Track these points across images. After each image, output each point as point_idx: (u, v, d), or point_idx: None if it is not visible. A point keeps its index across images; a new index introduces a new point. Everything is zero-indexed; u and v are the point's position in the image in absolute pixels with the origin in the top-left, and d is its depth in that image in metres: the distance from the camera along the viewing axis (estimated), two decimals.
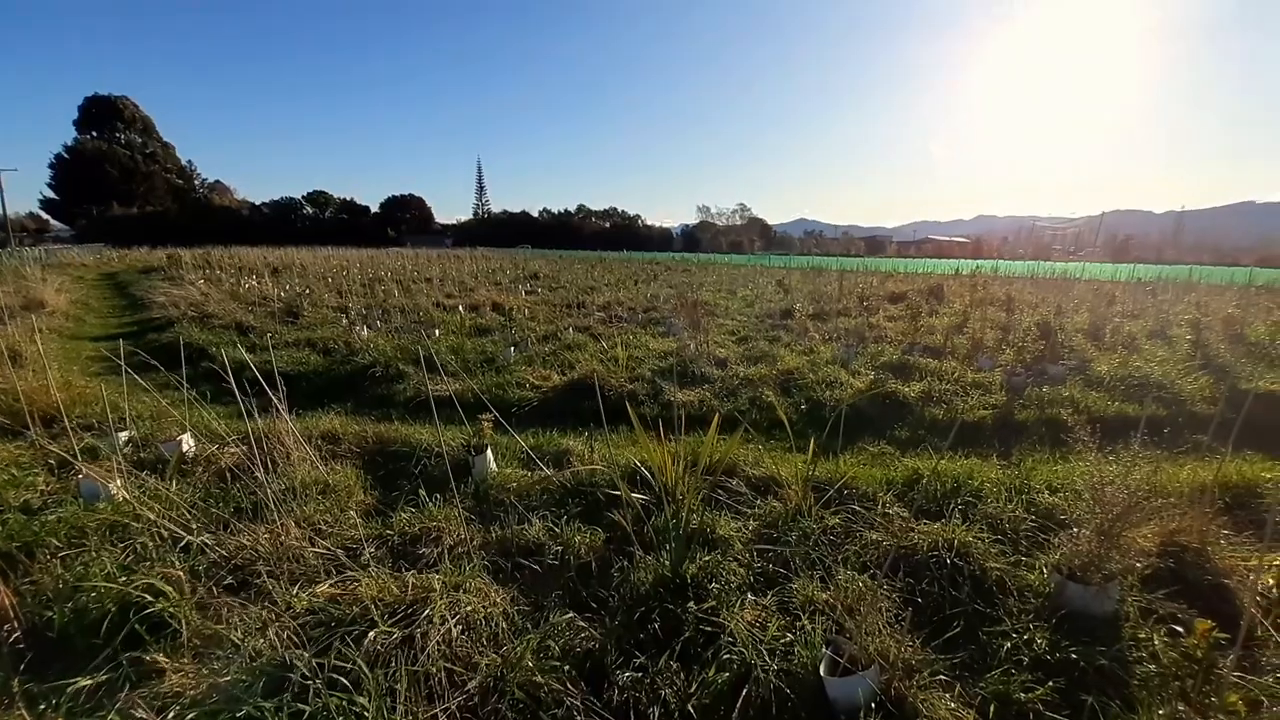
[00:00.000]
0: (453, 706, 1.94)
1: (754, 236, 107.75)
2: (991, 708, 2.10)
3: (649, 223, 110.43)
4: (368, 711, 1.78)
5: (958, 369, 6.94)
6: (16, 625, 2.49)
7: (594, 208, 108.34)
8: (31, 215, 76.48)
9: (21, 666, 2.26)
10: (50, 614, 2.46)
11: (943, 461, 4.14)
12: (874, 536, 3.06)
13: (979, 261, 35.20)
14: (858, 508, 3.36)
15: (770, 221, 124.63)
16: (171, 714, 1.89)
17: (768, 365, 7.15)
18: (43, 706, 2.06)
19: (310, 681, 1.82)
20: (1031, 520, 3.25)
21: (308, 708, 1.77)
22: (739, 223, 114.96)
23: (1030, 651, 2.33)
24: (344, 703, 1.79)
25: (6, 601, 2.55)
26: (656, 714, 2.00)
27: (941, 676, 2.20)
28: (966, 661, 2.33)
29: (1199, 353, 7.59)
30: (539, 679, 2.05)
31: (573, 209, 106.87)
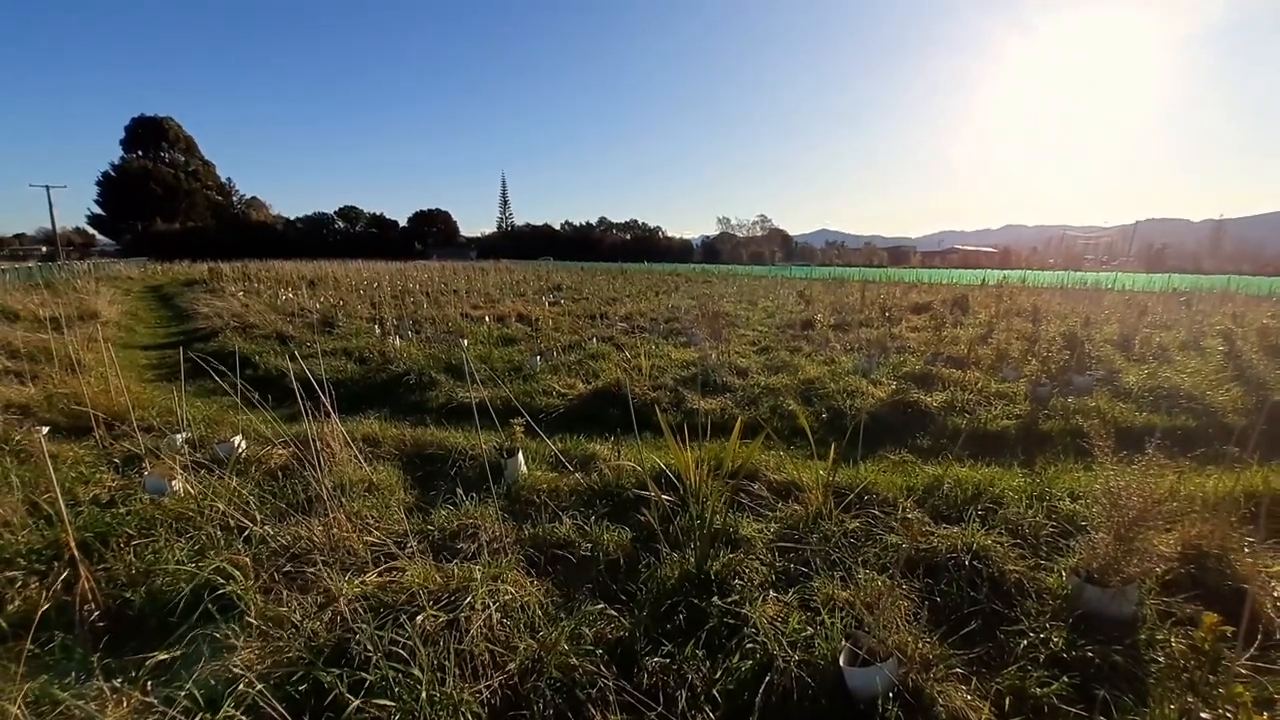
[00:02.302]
0: (495, 684, 2.10)
1: (775, 248, 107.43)
2: (1007, 701, 2.18)
3: (669, 234, 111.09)
4: (421, 683, 1.95)
5: (981, 379, 6.93)
6: (95, 606, 2.74)
7: (615, 220, 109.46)
8: (77, 230, 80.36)
9: (101, 644, 2.49)
10: (127, 596, 2.70)
11: (963, 469, 4.20)
12: (893, 540, 3.15)
13: (1006, 272, 34.67)
14: (877, 512, 3.45)
15: (791, 232, 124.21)
16: (241, 684, 2.08)
17: (789, 375, 7.25)
18: (120, 680, 2.27)
19: (371, 654, 2.00)
20: (1051, 526, 3.29)
21: (369, 677, 1.95)
22: (759, 234, 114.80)
23: (1047, 649, 2.40)
24: (400, 674, 1.97)
25: (86, 585, 2.81)
26: (684, 697, 2.12)
27: (958, 670, 2.29)
28: (983, 657, 2.41)
29: (1232, 364, 7.45)
30: (574, 661, 2.20)
31: (594, 221, 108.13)
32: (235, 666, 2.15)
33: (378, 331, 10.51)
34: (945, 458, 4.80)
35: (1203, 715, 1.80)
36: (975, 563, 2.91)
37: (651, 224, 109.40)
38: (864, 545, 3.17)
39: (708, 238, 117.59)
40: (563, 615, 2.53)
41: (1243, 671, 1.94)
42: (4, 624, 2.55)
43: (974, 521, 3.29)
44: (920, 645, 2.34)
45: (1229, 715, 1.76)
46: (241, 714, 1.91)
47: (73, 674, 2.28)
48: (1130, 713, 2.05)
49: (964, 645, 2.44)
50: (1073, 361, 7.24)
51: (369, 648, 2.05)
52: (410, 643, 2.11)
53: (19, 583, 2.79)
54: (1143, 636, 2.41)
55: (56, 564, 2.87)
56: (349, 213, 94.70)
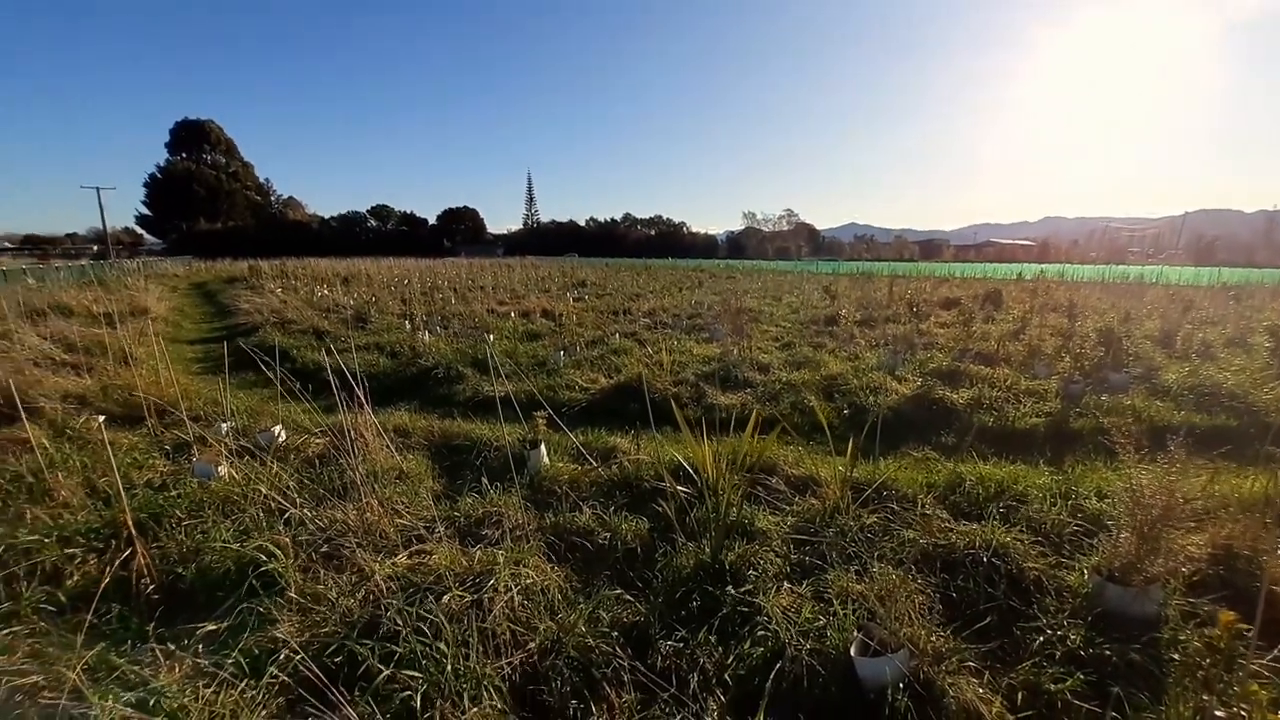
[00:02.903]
0: (516, 661, 2.21)
1: (801, 242, 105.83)
2: (1019, 695, 2.19)
3: (694, 230, 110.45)
4: (446, 657, 2.07)
5: (1011, 376, 6.79)
6: (150, 581, 2.95)
7: (639, 216, 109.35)
8: (126, 229, 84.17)
9: (156, 615, 2.69)
10: (179, 571, 2.91)
11: (986, 466, 4.16)
12: (911, 535, 3.16)
13: (1043, 266, 33.51)
14: (896, 508, 3.45)
15: (819, 227, 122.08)
16: (283, 654, 2.24)
17: (810, 371, 7.22)
18: (173, 647, 2.46)
19: (401, 629, 2.13)
20: (1075, 525, 3.25)
21: (399, 649, 2.07)
22: (786, 229, 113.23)
23: (1063, 647, 2.39)
24: (427, 648, 2.09)
25: (142, 561, 3.02)
26: (695, 680, 2.20)
27: (971, 664, 2.30)
28: (997, 653, 2.42)
29: (1279, 362, 7.12)
30: (591, 642, 2.30)
31: (618, 217, 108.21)
32: (277, 637, 2.31)
33: (408, 327, 10.81)
34: (969, 455, 4.75)
35: (1217, 713, 1.79)
36: (994, 559, 2.90)
37: (676, 219, 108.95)
38: (881, 540, 3.18)
39: (733, 233, 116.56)
40: (581, 600, 2.63)
41: (1262, 671, 1.92)
42: (63, 597, 2.77)
43: (994, 519, 3.27)
44: (933, 638, 2.36)
45: (1244, 714, 1.74)
46: (283, 678, 2.05)
47: (129, 642, 2.48)
48: (1146, 710, 2.05)
49: (979, 640, 2.45)
50: (1108, 358, 7.02)
51: (399, 623, 2.18)
52: (437, 620, 2.23)
53: (78, 559, 3.02)
54: (1164, 636, 2.39)
55: (114, 542, 3.09)
56: (381, 211, 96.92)
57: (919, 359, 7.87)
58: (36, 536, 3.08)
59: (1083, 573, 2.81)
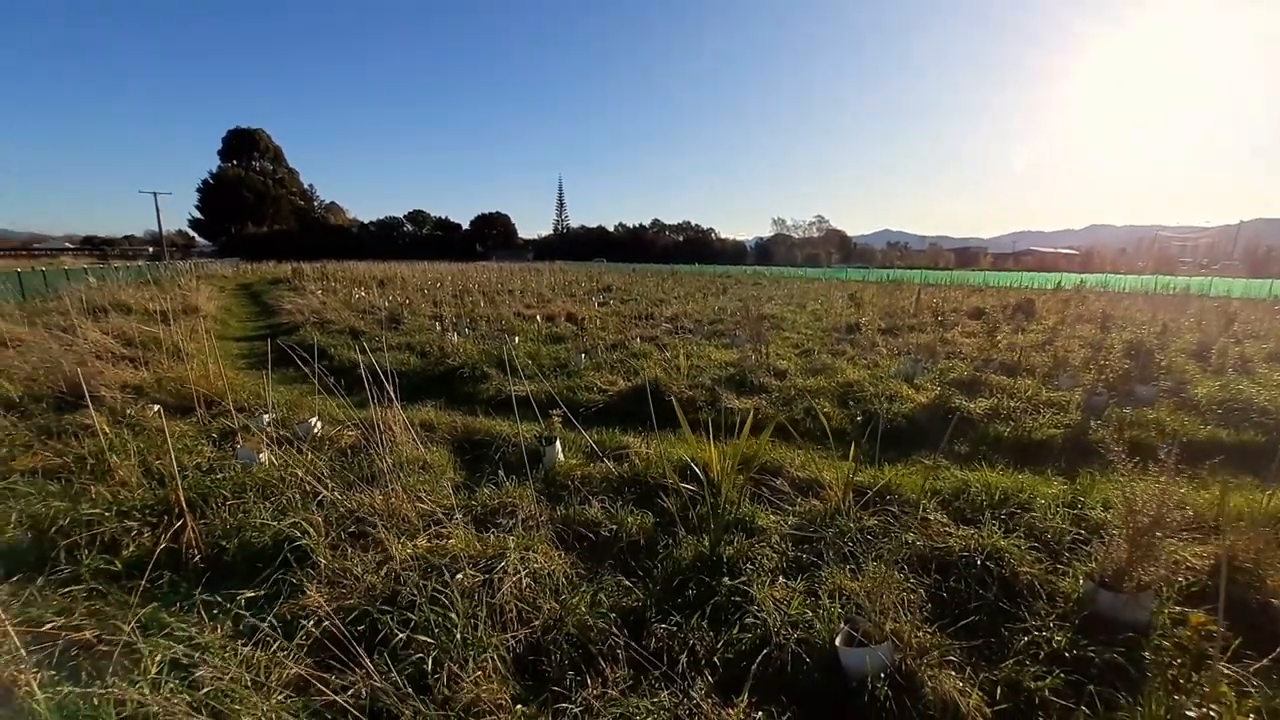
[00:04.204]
0: (520, 635, 2.40)
1: (832, 249, 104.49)
2: (999, 690, 2.27)
3: (722, 236, 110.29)
4: (457, 627, 2.27)
5: (1032, 387, 6.72)
6: (197, 552, 3.25)
7: (667, 222, 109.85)
8: (180, 232, 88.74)
9: (202, 581, 2.96)
10: (223, 544, 3.19)
11: (994, 474, 4.18)
12: (909, 538, 3.23)
13: (1083, 275, 32.40)
14: (897, 511, 3.52)
15: (851, 233, 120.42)
16: (312, 621, 2.47)
17: (827, 377, 7.26)
18: (216, 611, 2.72)
19: (417, 599, 2.34)
20: (1076, 533, 3.28)
21: (414, 618, 2.28)
22: (816, 235, 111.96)
23: (1048, 647, 2.45)
24: (440, 618, 2.29)
25: (192, 534, 3.33)
26: (686, 660, 2.34)
27: (953, 659, 2.39)
28: (982, 650, 2.49)
29: None
30: (590, 621, 2.47)
31: (647, 223, 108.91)
32: (307, 605, 2.55)
33: (438, 328, 11.22)
34: (980, 464, 4.76)
35: (1188, 713, 1.84)
36: (988, 563, 2.96)
37: (705, 225, 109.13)
38: (879, 541, 3.26)
39: (761, 239, 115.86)
40: (584, 584, 2.81)
41: (1240, 676, 1.97)
42: (119, 565, 3.07)
43: (994, 525, 3.32)
44: (918, 634, 2.45)
45: (1214, 714, 1.80)
46: (315, 634, 2.28)
47: (178, 605, 2.75)
48: (1121, 710, 2.10)
49: (965, 638, 2.53)
50: (1136, 371, 6.87)
51: (416, 595, 2.40)
52: (450, 595, 2.44)
53: (134, 531, 3.33)
54: (1151, 641, 2.42)
55: (166, 517, 3.40)
56: (416, 216, 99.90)
57: (940, 368, 7.82)
58: (98, 510, 3.41)
59: (1077, 578, 2.85)
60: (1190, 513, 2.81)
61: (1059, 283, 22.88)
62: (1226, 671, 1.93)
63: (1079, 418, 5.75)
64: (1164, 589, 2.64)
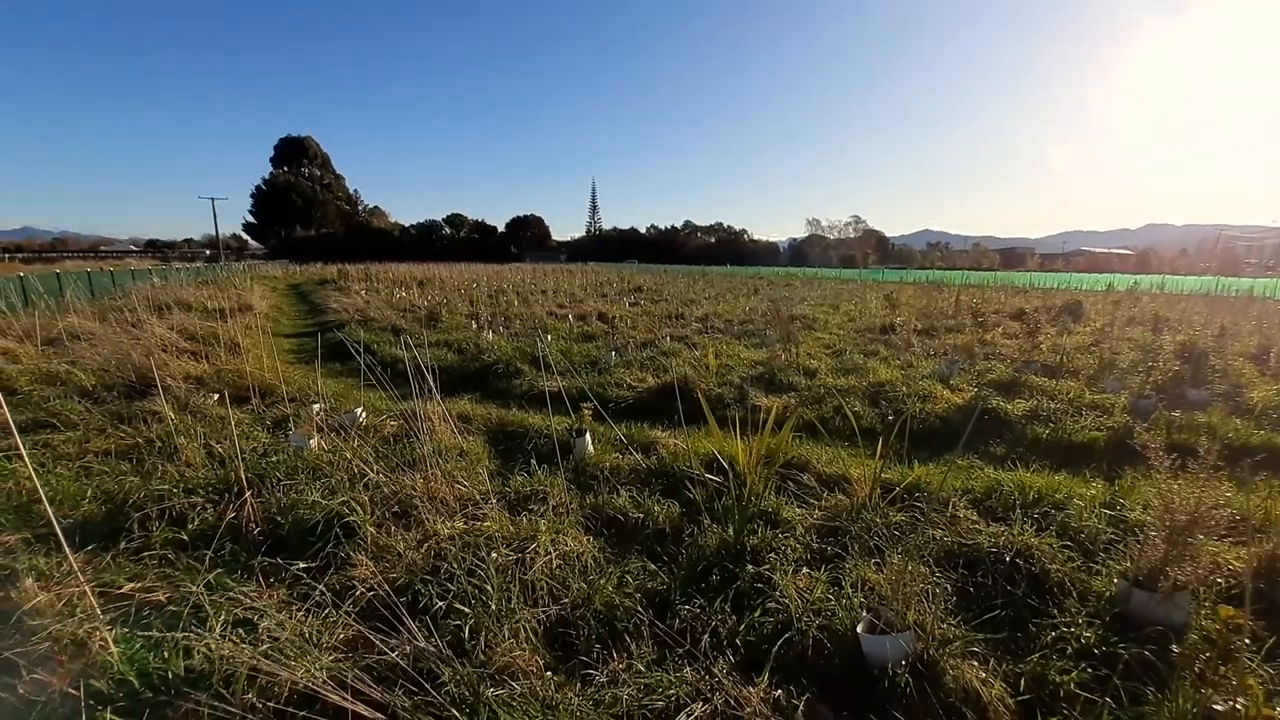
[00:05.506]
0: (551, 610, 2.53)
1: (868, 250, 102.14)
2: (1022, 682, 2.27)
3: (755, 237, 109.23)
4: (492, 599, 2.41)
5: (1075, 389, 6.51)
6: (256, 526, 3.50)
7: (699, 223, 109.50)
8: (234, 235, 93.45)
9: (260, 553, 3.20)
10: (279, 520, 3.43)
11: (1028, 474, 4.11)
12: (936, 533, 3.23)
13: (1138, 276, 30.84)
14: (925, 508, 3.51)
15: (889, 233, 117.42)
16: (359, 590, 2.66)
17: (858, 377, 7.20)
18: (272, 580, 2.93)
19: (456, 572, 2.50)
20: (1113, 533, 3.21)
21: (453, 588, 2.44)
22: (851, 235, 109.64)
23: (1076, 643, 2.44)
24: (476, 590, 2.44)
25: (251, 510, 3.58)
26: (708, 640, 2.42)
27: (977, 650, 2.40)
28: (1008, 644, 2.49)
29: None
30: (617, 600, 2.58)
31: (679, 225, 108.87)
32: (354, 576, 2.73)
33: (474, 326, 11.57)
34: (1015, 464, 4.67)
35: (1215, 706, 1.83)
36: (1017, 560, 2.94)
37: (737, 226, 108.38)
38: (906, 537, 3.27)
39: (795, 240, 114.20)
40: (612, 567, 2.92)
41: (1256, 671, 1.93)
42: (186, 537, 3.34)
43: (1025, 523, 3.28)
44: (942, 625, 2.47)
45: (1241, 708, 1.78)
46: (361, 605, 2.46)
47: (238, 573, 2.99)
48: (1147, 704, 2.08)
49: (990, 632, 2.53)
50: (1188, 374, 6.58)
51: (454, 568, 2.55)
52: (486, 571, 2.59)
53: (199, 506, 3.61)
54: (1185, 640, 2.38)
55: (228, 494, 3.68)
56: (455, 219, 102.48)
57: (977, 369, 7.65)
58: (166, 486, 3.72)
59: (1110, 577, 2.81)
60: (1232, 513, 2.73)
61: (1110, 284, 21.89)
62: (1257, 670, 1.89)
63: (1124, 421, 5.55)
64: (1201, 590, 2.58)
